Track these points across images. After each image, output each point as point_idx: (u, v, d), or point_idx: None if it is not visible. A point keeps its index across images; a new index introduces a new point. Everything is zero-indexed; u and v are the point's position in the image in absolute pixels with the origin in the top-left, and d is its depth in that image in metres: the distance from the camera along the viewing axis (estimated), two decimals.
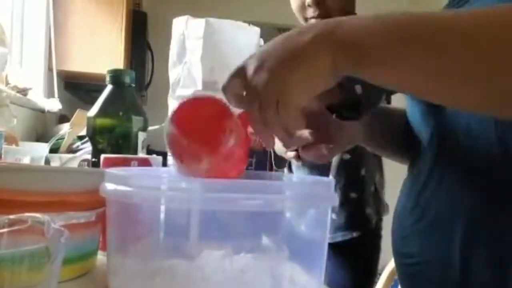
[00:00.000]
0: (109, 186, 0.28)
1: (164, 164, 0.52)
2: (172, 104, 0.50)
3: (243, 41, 0.49)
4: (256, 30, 0.51)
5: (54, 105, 1.49)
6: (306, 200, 0.27)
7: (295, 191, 0.28)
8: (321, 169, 0.88)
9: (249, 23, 0.51)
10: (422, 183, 0.41)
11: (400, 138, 0.51)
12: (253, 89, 0.31)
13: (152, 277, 0.26)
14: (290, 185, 0.30)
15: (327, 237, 0.30)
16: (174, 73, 0.50)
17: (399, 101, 0.58)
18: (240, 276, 0.26)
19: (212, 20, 0.47)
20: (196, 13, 0.55)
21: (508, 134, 0.35)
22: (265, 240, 0.29)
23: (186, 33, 0.48)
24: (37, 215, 0.25)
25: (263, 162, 0.51)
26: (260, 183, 0.30)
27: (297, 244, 0.30)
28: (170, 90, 0.51)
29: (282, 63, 0.30)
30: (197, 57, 0.47)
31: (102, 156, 0.50)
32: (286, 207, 0.26)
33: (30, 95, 1.38)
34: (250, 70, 0.31)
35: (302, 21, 0.77)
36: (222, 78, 0.47)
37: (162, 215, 0.27)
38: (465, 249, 0.36)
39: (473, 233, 0.36)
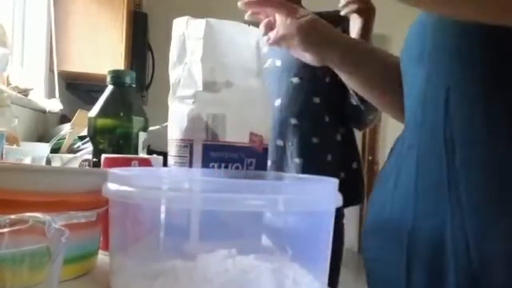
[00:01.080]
0: (112, 186, 0.28)
1: (165, 164, 0.52)
2: (173, 106, 0.50)
3: (243, 42, 0.49)
4: (257, 31, 0.51)
5: (55, 105, 1.49)
6: (310, 200, 0.27)
7: (298, 190, 0.27)
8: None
9: (249, 23, 0.51)
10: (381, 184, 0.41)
11: (381, 75, 0.51)
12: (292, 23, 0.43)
13: (154, 278, 0.26)
14: (292, 185, 0.30)
15: (331, 238, 0.30)
16: (174, 73, 0.50)
17: None
18: (243, 277, 0.26)
19: (212, 20, 0.47)
20: (196, 14, 0.55)
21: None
22: (267, 240, 0.29)
23: (187, 34, 0.48)
24: (38, 215, 0.25)
25: (263, 163, 0.51)
26: (262, 183, 0.30)
27: (300, 244, 0.29)
28: (171, 91, 0.51)
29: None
30: (197, 58, 0.47)
31: (103, 156, 0.50)
32: (288, 207, 0.26)
33: (31, 96, 1.39)
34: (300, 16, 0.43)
35: None
36: (222, 78, 0.47)
37: (164, 216, 0.27)
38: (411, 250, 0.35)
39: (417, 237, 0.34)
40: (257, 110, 0.50)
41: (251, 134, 0.49)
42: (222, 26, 0.47)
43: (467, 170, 0.31)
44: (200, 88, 0.46)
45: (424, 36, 0.40)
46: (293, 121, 0.99)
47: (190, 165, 0.47)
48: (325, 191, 0.29)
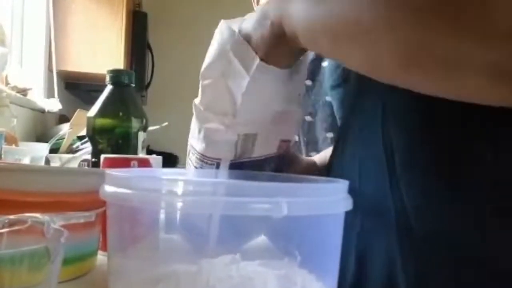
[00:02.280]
0: (109, 188, 0.28)
1: (165, 164, 0.52)
2: (201, 115, 0.47)
3: (284, 88, 0.46)
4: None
5: (54, 105, 1.49)
6: (319, 203, 0.26)
7: (306, 193, 0.26)
8: None
9: None
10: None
11: None
12: None
13: (155, 283, 0.26)
14: (300, 187, 0.29)
15: (341, 243, 0.29)
16: (214, 89, 0.47)
17: None
18: (248, 284, 0.25)
19: (264, 65, 0.42)
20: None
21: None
22: (274, 245, 0.28)
23: (232, 58, 0.44)
24: (37, 215, 0.25)
25: (282, 162, 0.50)
26: (270, 185, 0.30)
27: (309, 250, 0.28)
28: (200, 99, 0.49)
29: None
30: (239, 89, 0.43)
31: (102, 156, 0.50)
32: (293, 211, 0.25)
33: (30, 95, 1.38)
34: None
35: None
36: (255, 113, 0.46)
37: (162, 218, 0.27)
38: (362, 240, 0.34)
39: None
40: (288, 117, 0.47)
41: (281, 141, 0.47)
42: (270, 72, 0.43)
43: (408, 172, 0.31)
44: (233, 116, 0.43)
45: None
46: (308, 118, 0.99)
47: None
48: (334, 194, 0.28)
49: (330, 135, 1.00)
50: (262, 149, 0.46)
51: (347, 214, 0.28)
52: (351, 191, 0.33)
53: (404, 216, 0.31)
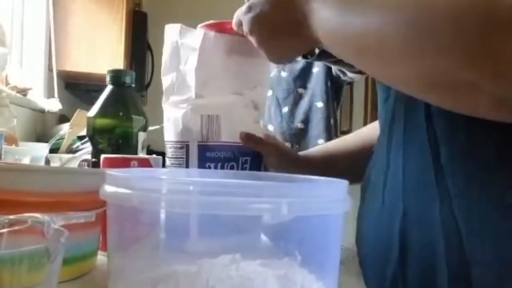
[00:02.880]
0: (109, 188, 0.28)
1: (164, 164, 0.52)
2: (167, 110, 0.51)
3: (239, 55, 0.49)
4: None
5: (54, 105, 1.49)
6: (319, 203, 0.26)
7: (306, 193, 0.26)
8: None
9: None
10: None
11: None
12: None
13: (155, 283, 0.26)
14: (300, 187, 0.29)
15: (341, 243, 0.29)
16: (167, 79, 0.50)
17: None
18: (248, 284, 0.25)
19: (210, 33, 0.47)
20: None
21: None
22: (274, 245, 0.28)
23: (180, 42, 0.49)
24: (37, 215, 0.25)
25: (258, 161, 0.51)
26: (267, 185, 0.30)
27: (309, 250, 0.28)
28: (164, 96, 0.51)
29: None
30: (191, 67, 0.47)
31: (102, 156, 0.50)
32: (293, 211, 0.25)
33: (30, 95, 1.38)
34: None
35: None
36: (214, 92, 0.48)
37: (162, 219, 0.27)
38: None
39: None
40: (249, 113, 0.50)
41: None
42: (220, 40, 0.47)
43: (451, 162, 0.32)
44: (193, 96, 0.47)
45: None
46: (300, 125, 1.02)
47: (187, 166, 0.48)
48: (334, 194, 0.28)
49: (321, 141, 1.01)
50: (228, 135, 0.48)
51: (388, 203, 0.28)
52: (394, 178, 0.33)
53: (448, 207, 0.32)
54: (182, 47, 0.48)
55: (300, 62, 1.03)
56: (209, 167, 0.48)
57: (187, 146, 0.48)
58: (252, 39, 0.42)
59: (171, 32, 0.50)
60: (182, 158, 0.48)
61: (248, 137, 0.50)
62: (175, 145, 0.49)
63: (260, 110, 0.52)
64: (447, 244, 0.32)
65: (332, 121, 1.05)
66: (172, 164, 0.49)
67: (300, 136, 1.04)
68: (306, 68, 1.05)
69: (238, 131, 0.49)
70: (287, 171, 0.52)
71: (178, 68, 0.49)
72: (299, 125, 1.04)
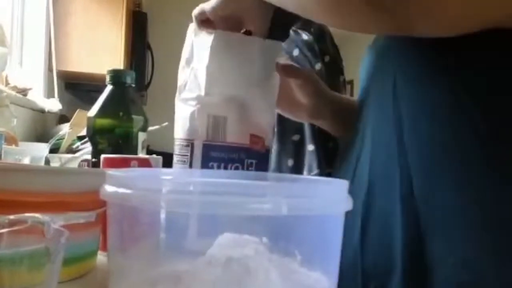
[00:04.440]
0: (109, 188, 0.28)
1: (165, 164, 0.52)
2: (178, 106, 0.52)
3: (251, 54, 0.50)
4: (273, 44, 0.51)
5: (54, 105, 1.49)
6: (319, 203, 0.26)
7: (306, 193, 0.26)
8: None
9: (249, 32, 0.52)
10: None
11: None
12: None
13: (155, 283, 0.26)
14: (299, 187, 0.29)
15: (341, 242, 0.29)
16: (182, 76, 0.52)
17: None
18: (249, 283, 0.25)
19: (222, 32, 0.48)
20: None
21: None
22: (275, 245, 0.28)
23: (195, 40, 0.50)
24: (37, 215, 0.25)
25: (264, 164, 0.52)
26: (268, 184, 0.30)
27: (309, 250, 0.28)
28: (177, 92, 0.52)
29: None
30: (203, 65, 0.48)
31: (102, 156, 0.50)
32: (293, 211, 0.25)
33: (30, 95, 1.38)
34: None
35: None
36: (224, 90, 0.48)
37: (163, 219, 0.27)
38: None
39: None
40: (258, 113, 0.50)
41: (252, 135, 0.50)
42: (231, 38, 0.48)
43: (414, 141, 0.34)
44: (203, 93, 0.48)
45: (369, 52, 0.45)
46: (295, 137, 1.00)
47: (191, 164, 0.48)
48: (334, 194, 0.28)
49: (311, 147, 1.00)
50: (234, 137, 0.49)
51: (358, 175, 0.29)
52: (364, 158, 0.34)
53: (407, 180, 0.33)
54: (196, 46, 0.50)
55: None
56: (212, 167, 0.48)
57: (192, 144, 0.49)
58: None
59: (190, 30, 0.52)
60: (187, 155, 0.49)
61: (284, 69, 0.52)
62: (181, 143, 0.50)
63: (274, 114, 0.54)
64: (404, 219, 0.33)
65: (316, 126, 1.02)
66: (178, 161, 0.50)
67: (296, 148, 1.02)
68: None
69: (246, 132, 0.50)
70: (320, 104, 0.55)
71: (191, 66, 0.50)
72: (294, 137, 1.01)
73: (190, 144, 0.48)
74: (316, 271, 0.28)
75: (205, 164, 0.48)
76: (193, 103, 0.48)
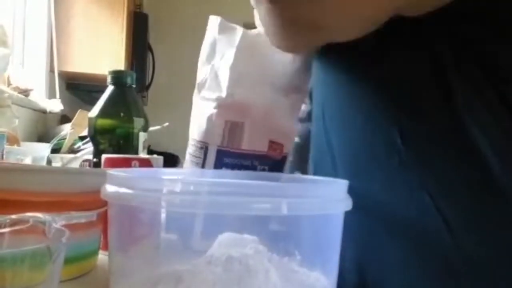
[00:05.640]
0: (110, 188, 0.28)
1: (167, 164, 0.52)
2: (196, 103, 0.50)
3: (276, 57, 0.47)
4: None
5: (55, 105, 1.49)
6: (319, 203, 0.26)
7: (306, 193, 0.26)
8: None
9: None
10: None
11: None
12: None
13: (156, 283, 0.26)
14: (299, 187, 0.29)
15: (340, 242, 0.29)
16: (202, 72, 0.49)
17: None
18: (249, 283, 0.25)
19: (250, 32, 0.46)
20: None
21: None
22: (275, 245, 0.28)
23: (218, 37, 0.47)
24: (39, 215, 0.25)
25: (278, 171, 0.50)
26: (269, 185, 0.30)
27: (309, 250, 0.29)
28: (196, 88, 0.50)
29: None
30: (226, 64, 0.46)
31: (103, 157, 0.50)
32: (293, 211, 0.25)
33: (32, 96, 1.39)
34: None
35: None
36: (246, 93, 0.46)
37: (163, 218, 0.27)
38: None
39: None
40: (280, 119, 0.48)
41: (271, 142, 0.48)
42: (258, 39, 0.46)
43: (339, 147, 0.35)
44: (224, 95, 0.45)
45: None
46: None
47: (203, 167, 0.48)
48: (334, 194, 0.28)
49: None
50: (251, 144, 0.47)
51: None
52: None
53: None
54: (219, 42, 0.47)
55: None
56: None
57: (207, 148, 0.47)
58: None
59: (212, 24, 0.48)
60: (200, 158, 0.48)
61: None
62: (196, 144, 0.48)
63: (296, 113, 0.51)
64: (351, 231, 0.32)
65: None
66: (191, 161, 0.49)
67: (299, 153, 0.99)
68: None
69: (264, 139, 0.48)
70: None
71: (212, 63, 0.48)
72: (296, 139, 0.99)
73: (204, 147, 0.47)
74: (316, 271, 0.28)
75: (217, 169, 0.47)
76: (213, 104, 0.46)
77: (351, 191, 0.29)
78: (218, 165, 0.47)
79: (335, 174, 0.34)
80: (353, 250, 0.32)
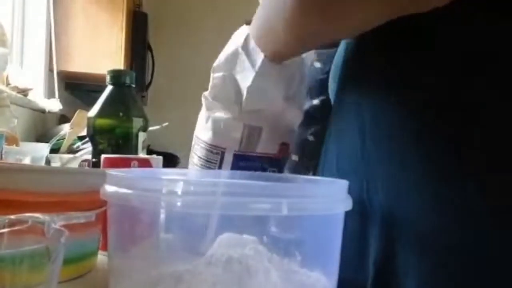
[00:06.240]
0: (109, 188, 0.28)
1: (167, 164, 0.52)
2: (208, 105, 0.50)
3: (295, 75, 0.48)
4: (307, 56, 0.50)
5: (54, 105, 1.49)
6: (319, 203, 0.26)
7: (306, 193, 0.27)
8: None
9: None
10: None
11: None
12: None
13: (156, 283, 0.26)
14: (300, 188, 0.29)
15: (340, 242, 0.29)
16: (218, 76, 0.49)
17: None
18: (249, 283, 0.25)
19: (268, 60, 0.46)
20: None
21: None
22: (275, 245, 0.28)
23: (241, 50, 0.48)
24: (38, 215, 0.25)
25: (283, 171, 0.51)
26: (269, 185, 0.30)
27: (309, 250, 0.29)
28: (210, 90, 0.50)
29: None
30: (245, 84, 0.46)
31: (103, 156, 0.50)
32: (293, 211, 0.25)
33: (31, 96, 1.38)
34: None
35: None
36: (261, 107, 0.47)
37: (163, 218, 0.27)
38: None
39: None
40: (289, 122, 0.50)
41: (281, 144, 0.49)
42: (276, 65, 0.47)
43: (376, 143, 0.34)
44: (238, 111, 0.47)
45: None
46: (310, 138, 0.97)
47: None
48: (334, 194, 0.28)
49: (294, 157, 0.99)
50: (265, 147, 0.47)
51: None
52: (329, 165, 0.34)
53: (373, 187, 0.33)
54: (241, 56, 0.47)
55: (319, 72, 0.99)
56: None
57: (223, 153, 0.47)
58: None
59: (240, 34, 0.49)
60: (215, 163, 0.48)
61: None
62: (209, 148, 0.48)
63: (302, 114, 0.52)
64: (374, 229, 0.32)
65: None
66: (202, 165, 0.49)
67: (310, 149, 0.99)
68: (323, 80, 0.99)
69: (276, 142, 0.48)
70: None
71: (231, 72, 0.47)
72: (310, 137, 0.99)
73: (220, 152, 0.47)
74: (316, 271, 0.28)
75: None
76: (230, 108, 0.47)
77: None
78: (234, 169, 0.47)
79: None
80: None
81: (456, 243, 0.29)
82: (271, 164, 0.48)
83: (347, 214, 0.29)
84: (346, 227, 0.31)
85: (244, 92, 0.46)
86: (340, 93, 0.42)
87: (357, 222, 0.33)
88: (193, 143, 0.51)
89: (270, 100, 0.48)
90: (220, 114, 0.47)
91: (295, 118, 0.50)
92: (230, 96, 0.47)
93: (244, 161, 0.47)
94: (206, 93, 0.49)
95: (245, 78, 0.46)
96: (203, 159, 0.48)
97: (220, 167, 0.47)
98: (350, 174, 0.35)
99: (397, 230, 0.31)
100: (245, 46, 0.47)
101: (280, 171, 0.49)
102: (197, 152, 0.49)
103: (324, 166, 0.41)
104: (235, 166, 0.47)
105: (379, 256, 0.32)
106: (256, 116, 0.47)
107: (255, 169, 0.47)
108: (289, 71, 0.48)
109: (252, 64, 0.46)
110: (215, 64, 0.49)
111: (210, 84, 0.49)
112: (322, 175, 0.41)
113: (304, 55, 0.49)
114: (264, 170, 0.48)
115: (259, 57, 0.46)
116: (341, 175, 0.36)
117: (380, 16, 0.31)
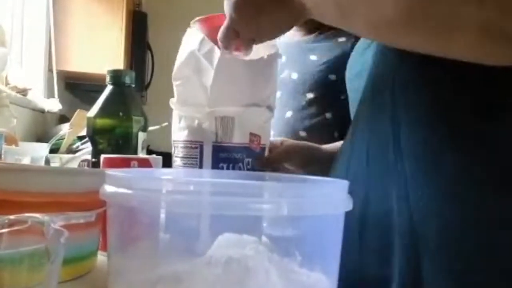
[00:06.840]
0: (109, 188, 0.28)
1: (165, 164, 0.52)
2: (179, 110, 0.51)
3: (255, 72, 0.49)
4: (273, 56, 0.51)
5: (54, 105, 1.49)
6: (319, 203, 0.26)
7: (306, 193, 0.27)
8: None
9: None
10: None
11: None
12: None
13: (155, 283, 0.26)
14: (300, 188, 0.29)
15: (341, 242, 0.29)
16: (180, 83, 0.51)
17: None
18: (249, 283, 0.25)
19: (226, 53, 0.47)
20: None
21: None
22: (275, 245, 0.28)
23: (198, 53, 0.49)
24: (37, 215, 0.25)
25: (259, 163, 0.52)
26: (268, 185, 0.30)
27: (309, 250, 0.29)
28: (176, 96, 0.52)
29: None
30: (206, 84, 0.48)
31: (102, 156, 0.50)
32: (293, 211, 0.25)
33: (30, 96, 1.38)
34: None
35: None
36: (228, 104, 0.48)
37: (162, 219, 0.27)
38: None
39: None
40: (256, 113, 0.50)
41: (251, 134, 0.50)
42: (234, 60, 0.47)
43: (410, 146, 0.34)
44: (206, 109, 0.48)
45: (364, 53, 0.44)
46: (302, 133, 0.97)
47: (200, 166, 0.48)
48: (334, 194, 0.28)
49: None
50: (240, 137, 0.49)
51: (350, 189, 0.29)
52: (358, 172, 0.33)
53: (404, 187, 0.33)
54: (199, 60, 0.48)
55: (317, 65, 0.98)
56: (222, 168, 0.48)
57: (201, 146, 0.48)
58: (240, 21, 0.41)
59: (192, 38, 0.50)
60: (196, 158, 0.48)
61: (266, 163, 0.54)
62: (188, 145, 0.49)
63: (272, 112, 0.54)
64: (400, 229, 0.32)
65: (336, 134, 1.01)
66: (184, 164, 0.49)
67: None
68: (322, 75, 1.00)
69: (247, 131, 0.50)
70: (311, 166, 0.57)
71: (192, 76, 0.49)
72: (301, 133, 1.00)
73: (198, 146, 0.48)
74: (316, 271, 0.28)
75: (215, 166, 0.48)
76: (198, 109, 0.48)
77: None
78: (215, 161, 0.47)
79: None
80: None
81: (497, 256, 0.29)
82: (247, 154, 0.50)
83: (372, 221, 0.29)
84: (366, 237, 0.31)
85: (208, 92, 0.47)
86: (371, 92, 0.40)
87: (382, 233, 0.33)
88: (172, 150, 0.52)
89: (234, 97, 0.49)
90: (191, 113, 0.49)
91: (262, 111, 0.51)
92: (195, 96, 0.49)
93: (224, 152, 0.48)
94: (173, 100, 0.51)
95: (206, 78, 0.48)
96: (184, 157, 0.49)
97: (201, 161, 0.48)
98: (380, 173, 0.35)
99: (424, 239, 0.31)
100: (201, 48, 0.48)
101: (253, 162, 0.51)
102: (178, 154, 0.50)
103: (352, 151, 0.40)
104: (215, 158, 0.48)
105: (404, 265, 0.32)
106: (224, 109, 0.48)
107: (236, 159, 0.48)
108: (254, 68, 0.49)
109: (211, 63, 0.47)
110: (173, 73, 0.51)
111: (174, 91, 0.51)
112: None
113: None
114: (242, 160, 0.49)
115: (216, 57, 0.47)
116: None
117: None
